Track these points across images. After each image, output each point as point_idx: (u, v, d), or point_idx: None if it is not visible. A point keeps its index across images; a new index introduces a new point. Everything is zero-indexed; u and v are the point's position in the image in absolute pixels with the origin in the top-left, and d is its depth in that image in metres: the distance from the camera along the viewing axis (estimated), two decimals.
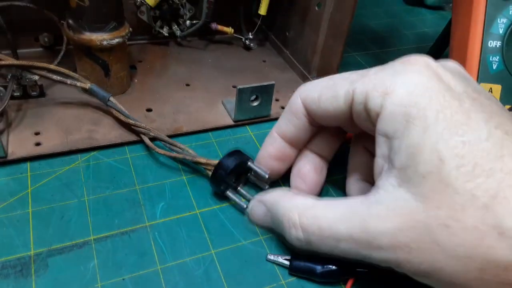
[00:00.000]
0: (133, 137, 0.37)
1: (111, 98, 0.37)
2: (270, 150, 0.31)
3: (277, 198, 0.28)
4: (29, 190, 0.31)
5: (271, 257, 0.29)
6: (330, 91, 0.27)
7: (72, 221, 0.30)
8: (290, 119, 0.30)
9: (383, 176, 0.23)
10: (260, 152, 0.32)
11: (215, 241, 0.30)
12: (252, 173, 0.33)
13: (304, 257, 0.28)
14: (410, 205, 0.21)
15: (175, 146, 0.35)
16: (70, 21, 0.37)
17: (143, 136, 0.36)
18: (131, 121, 0.36)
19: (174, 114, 0.40)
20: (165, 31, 0.50)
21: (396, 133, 0.22)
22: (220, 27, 0.51)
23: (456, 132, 0.20)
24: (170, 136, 0.36)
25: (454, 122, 0.21)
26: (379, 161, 0.24)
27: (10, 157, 0.33)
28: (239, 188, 0.33)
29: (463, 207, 0.20)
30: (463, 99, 0.22)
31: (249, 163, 0.32)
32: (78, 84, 0.37)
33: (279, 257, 0.28)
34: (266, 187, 0.33)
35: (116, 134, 0.37)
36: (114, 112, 0.37)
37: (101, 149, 0.36)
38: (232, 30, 0.51)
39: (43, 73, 0.37)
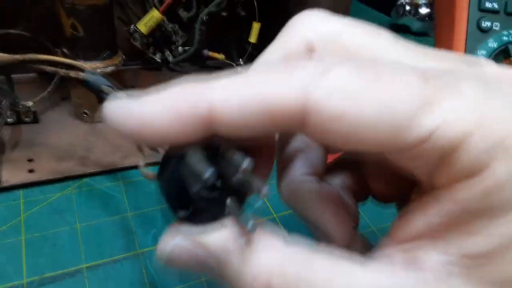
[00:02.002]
0: (125, 164, 0.37)
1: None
2: None
3: (228, 249, 0.15)
4: (22, 218, 0.32)
5: None
6: None
7: (64, 249, 0.30)
8: None
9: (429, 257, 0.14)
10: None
11: None
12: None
13: None
14: None
15: None
16: (65, 50, 0.38)
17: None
18: None
19: None
20: (157, 57, 0.51)
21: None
22: (211, 53, 0.52)
23: None
24: None
25: None
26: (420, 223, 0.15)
27: (4, 184, 0.33)
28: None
29: None
30: None
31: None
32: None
33: None
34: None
35: (108, 160, 0.38)
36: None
37: (93, 175, 0.36)
38: (223, 56, 0.52)
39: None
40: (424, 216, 0.14)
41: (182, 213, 0.15)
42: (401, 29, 0.75)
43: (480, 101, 0.13)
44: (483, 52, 0.37)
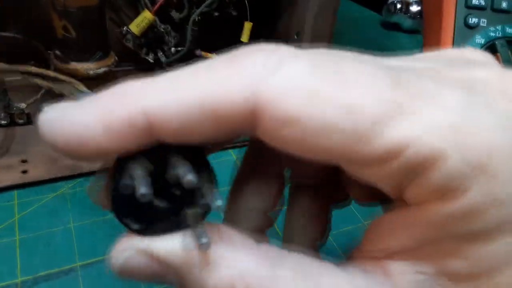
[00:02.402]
0: None
1: None
2: None
3: (186, 262, 0.13)
4: (16, 218, 0.32)
5: None
6: None
7: (58, 248, 0.30)
8: None
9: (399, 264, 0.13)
10: None
11: None
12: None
13: None
14: None
15: None
16: (57, 52, 0.39)
17: None
18: None
19: None
20: (150, 58, 0.51)
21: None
22: (204, 54, 0.52)
23: None
24: None
25: None
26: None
27: None
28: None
29: None
30: None
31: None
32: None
33: None
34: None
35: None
36: None
37: (86, 175, 0.37)
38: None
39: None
40: (395, 237, 0.13)
41: (135, 226, 0.13)
42: (392, 27, 0.76)
43: (461, 114, 0.11)
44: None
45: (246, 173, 0.20)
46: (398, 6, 0.74)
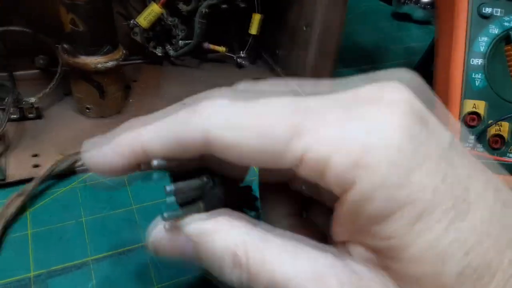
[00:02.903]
0: None
1: None
2: None
3: (209, 226, 0.19)
4: (28, 212, 0.32)
5: None
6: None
7: (70, 242, 0.30)
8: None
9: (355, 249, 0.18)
10: None
11: None
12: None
13: None
14: None
15: None
16: (65, 45, 0.38)
17: None
18: None
19: None
20: (158, 51, 0.51)
21: (378, 218, 0.16)
22: (212, 46, 0.52)
23: (459, 216, 0.15)
24: None
25: (454, 199, 0.15)
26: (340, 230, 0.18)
27: (9, 179, 0.34)
28: None
29: None
30: (457, 163, 0.16)
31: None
32: None
33: None
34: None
35: None
36: None
37: None
38: (225, 49, 0.52)
39: None
40: (341, 225, 0.18)
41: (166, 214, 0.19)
42: (402, 18, 0.75)
43: (339, 126, 0.16)
44: (485, 38, 0.37)
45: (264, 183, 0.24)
46: None
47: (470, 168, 0.16)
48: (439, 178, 0.15)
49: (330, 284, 0.16)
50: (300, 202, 0.23)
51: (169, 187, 0.18)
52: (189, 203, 0.19)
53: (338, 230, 0.18)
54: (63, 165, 0.35)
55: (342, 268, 0.17)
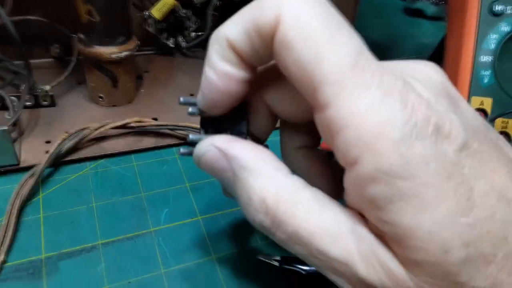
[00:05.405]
0: (138, 146, 0.38)
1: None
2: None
3: (251, 163, 0.19)
4: (41, 196, 0.33)
5: (262, 257, 0.30)
6: None
7: (81, 226, 0.31)
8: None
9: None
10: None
11: (216, 247, 0.31)
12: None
13: (294, 259, 0.29)
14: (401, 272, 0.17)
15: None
16: (81, 35, 0.39)
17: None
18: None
19: (178, 122, 0.42)
20: (170, 43, 0.51)
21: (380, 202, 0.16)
22: None
23: (461, 212, 0.16)
24: (174, 145, 0.38)
25: (458, 197, 0.16)
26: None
27: (23, 164, 0.35)
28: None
29: None
30: (462, 159, 0.16)
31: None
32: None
33: (269, 258, 0.29)
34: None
35: (122, 143, 0.39)
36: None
37: (108, 157, 0.38)
38: None
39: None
40: (348, 196, 0.18)
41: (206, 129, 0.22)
42: (415, 14, 0.74)
43: (371, 105, 0.15)
44: (495, 36, 0.37)
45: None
46: None
47: (478, 168, 0.17)
48: (445, 176, 0.15)
49: (350, 248, 0.17)
50: (317, 136, 0.24)
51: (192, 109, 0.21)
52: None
53: (348, 199, 0.18)
54: (70, 143, 0.36)
55: (361, 235, 0.17)
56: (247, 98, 0.21)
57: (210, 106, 0.20)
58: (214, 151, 0.20)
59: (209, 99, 0.20)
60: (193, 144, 0.21)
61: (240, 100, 0.20)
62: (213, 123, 0.22)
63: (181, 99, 0.21)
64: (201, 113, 0.21)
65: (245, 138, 0.21)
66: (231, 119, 0.21)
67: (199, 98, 0.20)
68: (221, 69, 0.19)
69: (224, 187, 0.22)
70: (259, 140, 0.23)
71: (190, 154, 0.22)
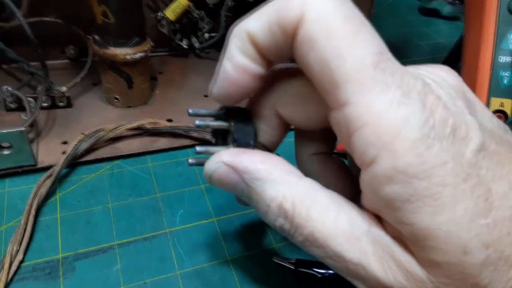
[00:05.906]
0: (154, 147, 0.39)
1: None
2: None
3: (262, 173, 0.20)
4: (57, 197, 0.34)
5: (277, 260, 0.29)
6: None
7: (97, 227, 0.31)
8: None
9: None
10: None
11: (230, 248, 0.31)
12: None
13: (309, 262, 0.29)
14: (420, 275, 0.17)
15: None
16: (96, 37, 0.40)
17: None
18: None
19: (193, 124, 0.42)
20: (184, 44, 0.52)
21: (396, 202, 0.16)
22: None
23: (480, 213, 0.16)
24: (189, 146, 0.38)
25: (476, 198, 0.16)
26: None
27: (40, 165, 0.35)
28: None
29: None
30: (479, 160, 0.16)
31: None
32: None
33: (285, 260, 0.29)
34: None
35: (138, 144, 0.39)
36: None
37: (124, 158, 0.38)
38: None
39: None
40: (364, 197, 0.18)
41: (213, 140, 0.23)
42: (430, 13, 0.74)
43: (390, 105, 0.15)
44: None
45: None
46: None
47: (496, 169, 0.16)
48: (462, 177, 0.15)
49: (365, 249, 0.17)
50: (332, 142, 0.24)
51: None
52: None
53: (365, 200, 0.18)
54: (86, 144, 0.36)
55: (377, 237, 0.18)
56: (258, 108, 0.22)
57: (223, 96, 0.20)
58: (223, 167, 0.20)
59: (223, 90, 0.20)
60: (200, 154, 0.22)
61: (250, 95, 0.21)
62: (222, 133, 0.22)
63: (190, 110, 0.21)
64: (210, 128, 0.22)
65: (253, 147, 0.22)
66: (238, 128, 0.22)
67: (212, 87, 0.20)
68: (239, 62, 0.19)
69: (237, 197, 0.23)
70: (269, 150, 0.23)
71: (198, 164, 0.22)
